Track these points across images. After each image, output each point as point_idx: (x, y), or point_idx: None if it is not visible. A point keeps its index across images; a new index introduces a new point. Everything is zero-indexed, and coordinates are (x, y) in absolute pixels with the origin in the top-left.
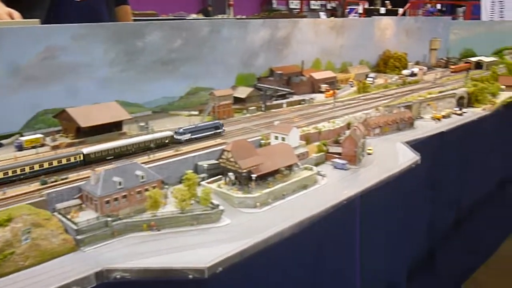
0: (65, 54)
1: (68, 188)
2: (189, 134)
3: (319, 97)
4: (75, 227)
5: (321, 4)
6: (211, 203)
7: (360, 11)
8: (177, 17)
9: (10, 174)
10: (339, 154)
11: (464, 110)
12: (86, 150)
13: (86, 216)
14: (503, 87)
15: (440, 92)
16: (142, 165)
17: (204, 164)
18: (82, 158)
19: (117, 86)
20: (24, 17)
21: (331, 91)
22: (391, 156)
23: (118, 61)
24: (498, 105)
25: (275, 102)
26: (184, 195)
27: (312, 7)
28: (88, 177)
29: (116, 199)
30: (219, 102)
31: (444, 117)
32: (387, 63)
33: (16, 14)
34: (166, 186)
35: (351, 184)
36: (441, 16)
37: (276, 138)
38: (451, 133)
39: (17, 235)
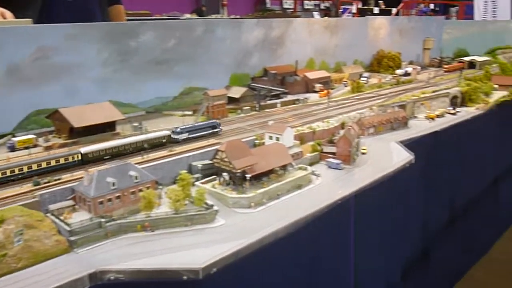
0: (58, 54)
1: (61, 189)
2: (187, 134)
3: (313, 97)
4: (68, 228)
5: (315, 4)
6: (206, 203)
7: (354, 11)
8: (170, 17)
9: (8, 173)
10: (333, 153)
11: (457, 109)
12: (84, 149)
13: (80, 217)
14: (496, 86)
15: (434, 91)
16: (136, 165)
17: (198, 164)
18: (80, 157)
19: (111, 86)
20: (17, 17)
21: (325, 91)
22: (385, 155)
23: (111, 61)
24: (491, 104)
25: (269, 102)
26: (178, 195)
27: (306, 7)
28: (82, 177)
29: (109, 200)
30: (213, 102)
31: (438, 116)
32: (381, 63)
33: (8, 13)
34: (160, 187)
35: (345, 183)
36: (434, 16)
37: (271, 138)
38: (445, 133)
39: (9, 237)
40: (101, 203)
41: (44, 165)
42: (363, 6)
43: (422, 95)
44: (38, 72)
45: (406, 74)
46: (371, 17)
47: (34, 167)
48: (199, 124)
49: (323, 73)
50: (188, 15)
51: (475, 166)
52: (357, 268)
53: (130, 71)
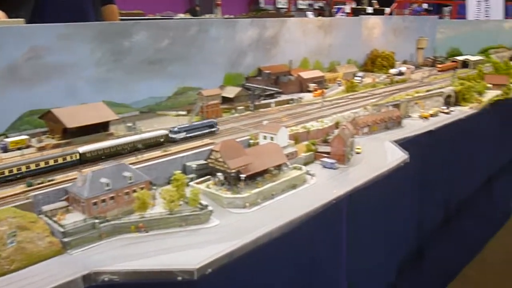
0: (51, 54)
1: (54, 190)
2: (184, 133)
3: (307, 97)
4: (61, 230)
5: (309, 4)
6: (200, 203)
7: (347, 10)
8: (164, 17)
9: (6, 173)
10: (328, 153)
11: (451, 108)
12: (82, 149)
13: (73, 218)
14: (489, 85)
15: (428, 91)
16: (130, 166)
17: (193, 164)
18: (78, 157)
19: (104, 86)
20: (9, 17)
21: (319, 91)
22: (380, 155)
23: (104, 61)
24: (484, 103)
25: (263, 102)
26: (173, 196)
27: (300, 6)
28: (75, 178)
29: (103, 201)
30: (207, 102)
31: (431, 115)
32: (375, 62)
33: (0, 13)
34: (154, 187)
35: (340, 183)
36: (427, 16)
37: (265, 137)
38: (439, 132)
39: (2, 239)
40: (95, 204)
41: (42, 164)
42: (356, 5)
43: (416, 95)
44: (31, 72)
45: (400, 73)
46: (365, 17)
47: (32, 166)
48: (196, 123)
49: (317, 73)
50: (181, 15)
51: (469, 165)
52: (352, 268)
53: (123, 71)
